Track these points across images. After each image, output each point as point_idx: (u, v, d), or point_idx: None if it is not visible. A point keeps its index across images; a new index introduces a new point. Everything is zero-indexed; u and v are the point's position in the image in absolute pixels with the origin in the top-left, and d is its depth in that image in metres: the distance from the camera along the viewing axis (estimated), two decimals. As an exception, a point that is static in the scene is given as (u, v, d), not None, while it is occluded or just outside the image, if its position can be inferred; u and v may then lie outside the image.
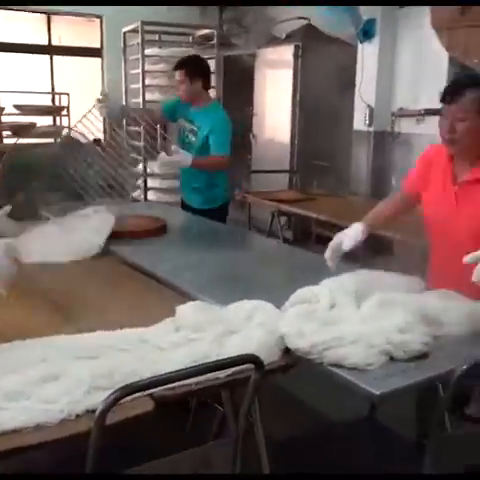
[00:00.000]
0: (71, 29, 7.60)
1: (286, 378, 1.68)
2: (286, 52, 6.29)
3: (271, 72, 6.71)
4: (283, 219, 4.70)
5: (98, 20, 7.48)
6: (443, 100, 1.99)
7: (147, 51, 5.21)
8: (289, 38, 6.35)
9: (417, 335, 1.55)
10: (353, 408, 2.22)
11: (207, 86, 3.59)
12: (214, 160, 3.48)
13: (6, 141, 6.62)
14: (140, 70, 5.06)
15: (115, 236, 2.70)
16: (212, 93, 5.36)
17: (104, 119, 3.99)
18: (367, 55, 4.59)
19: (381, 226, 2.30)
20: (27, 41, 7.35)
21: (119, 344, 1.58)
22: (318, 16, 5.00)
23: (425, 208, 2.20)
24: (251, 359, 1.44)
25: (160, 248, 2.72)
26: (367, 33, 4.47)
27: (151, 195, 5.32)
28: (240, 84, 6.84)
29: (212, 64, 5.72)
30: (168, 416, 2.28)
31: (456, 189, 2.07)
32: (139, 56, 5.09)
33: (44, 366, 1.45)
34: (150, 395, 1.37)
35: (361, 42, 4.57)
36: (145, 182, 5.13)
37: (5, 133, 6.60)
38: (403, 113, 4.77)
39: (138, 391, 1.28)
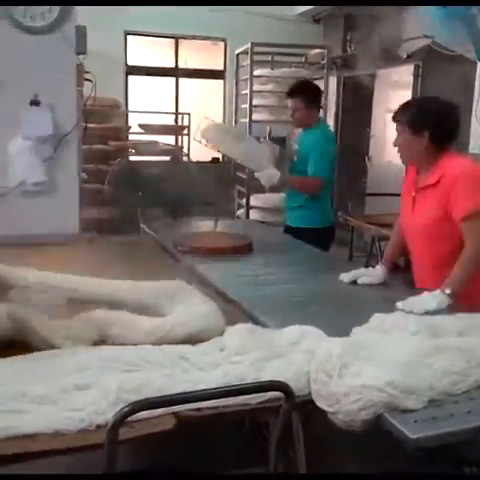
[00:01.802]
0: (197, 52, 7.90)
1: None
2: (406, 72, 6.11)
3: (391, 93, 6.53)
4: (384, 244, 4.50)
5: (222, 43, 7.73)
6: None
7: (257, 72, 5.28)
8: (410, 58, 6.16)
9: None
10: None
11: (319, 110, 3.63)
12: (307, 181, 3.43)
13: (131, 158, 7.03)
14: (248, 90, 5.14)
15: (195, 252, 2.74)
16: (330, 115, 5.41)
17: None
18: (486, 74, 4.32)
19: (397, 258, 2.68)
20: (156, 64, 7.76)
21: (159, 359, 1.58)
22: (436, 33, 4.77)
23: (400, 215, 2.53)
24: (280, 387, 1.37)
25: (239, 266, 2.71)
26: (487, 50, 4.20)
27: (254, 214, 5.34)
28: (359, 105, 6.74)
29: (321, 85, 5.70)
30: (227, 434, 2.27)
31: (413, 195, 2.37)
32: (248, 76, 5.18)
33: (82, 375, 1.49)
34: (175, 414, 1.36)
35: (479, 60, 4.31)
36: (247, 200, 5.16)
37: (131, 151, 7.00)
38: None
39: (151, 408, 1.27)
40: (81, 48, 3.29)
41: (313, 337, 1.66)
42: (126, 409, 1.22)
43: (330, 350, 1.49)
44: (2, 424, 1.26)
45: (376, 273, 2.45)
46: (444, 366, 1.45)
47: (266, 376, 1.50)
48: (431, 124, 2.27)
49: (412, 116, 2.28)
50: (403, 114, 2.32)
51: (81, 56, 3.31)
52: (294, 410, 1.46)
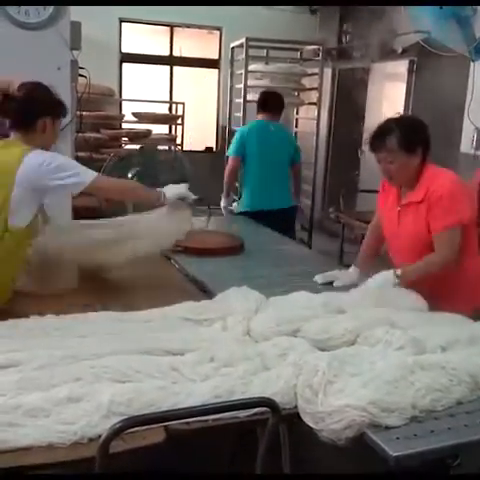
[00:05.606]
0: (192, 41, 7.85)
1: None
2: (401, 67, 6.11)
3: (385, 86, 6.54)
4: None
5: (218, 32, 7.69)
6: (371, 149, 2.34)
7: (252, 66, 5.27)
8: (405, 52, 6.17)
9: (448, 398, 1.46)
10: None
11: None
12: None
13: (125, 147, 7.01)
14: (242, 85, 5.14)
15: (187, 252, 2.80)
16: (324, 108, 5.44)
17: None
18: (478, 74, 4.34)
19: (371, 265, 2.62)
20: (150, 52, 7.71)
21: (151, 370, 1.62)
22: (432, 31, 4.78)
23: (382, 225, 2.58)
24: (266, 403, 1.42)
25: (230, 266, 2.75)
26: (480, 51, 4.23)
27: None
28: (353, 98, 6.73)
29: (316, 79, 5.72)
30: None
31: (398, 210, 2.42)
32: (242, 71, 5.17)
33: (75, 385, 1.52)
34: (165, 427, 1.40)
35: (473, 61, 4.33)
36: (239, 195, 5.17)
37: (124, 139, 6.98)
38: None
39: (143, 424, 1.31)
40: (76, 44, 3.28)
41: (300, 349, 1.70)
42: (118, 425, 1.25)
43: (316, 366, 1.53)
44: (-2, 437, 1.30)
45: (349, 275, 2.54)
46: (427, 384, 1.50)
47: (254, 389, 1.54)
48: (422, 139, 2.33)
49: (403, 138, 2.26)
50: (389, 141, 2.27)
51: (76, 52, 3.30)
52: (281, 423, 1.50)
